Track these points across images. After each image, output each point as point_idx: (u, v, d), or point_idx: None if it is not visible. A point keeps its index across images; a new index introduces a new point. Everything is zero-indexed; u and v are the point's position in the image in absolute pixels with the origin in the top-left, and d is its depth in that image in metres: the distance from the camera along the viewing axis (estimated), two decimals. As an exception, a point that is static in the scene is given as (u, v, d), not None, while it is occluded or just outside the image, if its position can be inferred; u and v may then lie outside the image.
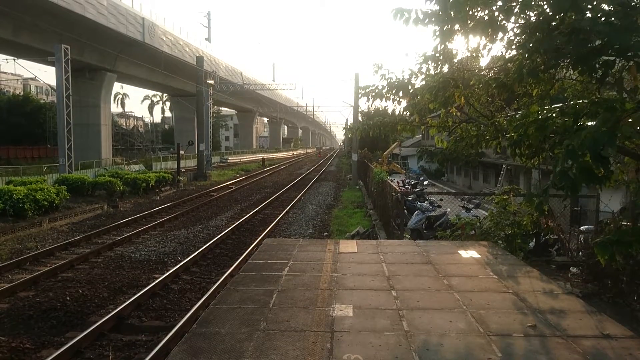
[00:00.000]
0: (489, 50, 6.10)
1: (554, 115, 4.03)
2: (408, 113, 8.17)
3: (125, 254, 12.41)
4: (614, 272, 6.58)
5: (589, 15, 4.14)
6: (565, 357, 3.66)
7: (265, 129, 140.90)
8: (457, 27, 5.17)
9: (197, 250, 12.36)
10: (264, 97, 75.80)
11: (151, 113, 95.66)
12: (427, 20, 4.91)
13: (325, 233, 15.47)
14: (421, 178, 33.86)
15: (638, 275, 6.33)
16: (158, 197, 24.73)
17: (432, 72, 7.07)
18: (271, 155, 79.97)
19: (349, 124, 26.28)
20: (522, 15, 4.85)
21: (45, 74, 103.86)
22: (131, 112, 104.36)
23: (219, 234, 14.43)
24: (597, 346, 3.86)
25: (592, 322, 4.38)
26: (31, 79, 64.95)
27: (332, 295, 5.10)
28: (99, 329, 7.18)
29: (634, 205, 6.90)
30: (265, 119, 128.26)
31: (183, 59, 44.25)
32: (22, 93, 65.81)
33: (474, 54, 6.82)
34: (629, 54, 4.03)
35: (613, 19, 3.84)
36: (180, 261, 11.31)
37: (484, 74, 7.33)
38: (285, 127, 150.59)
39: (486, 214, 10.24)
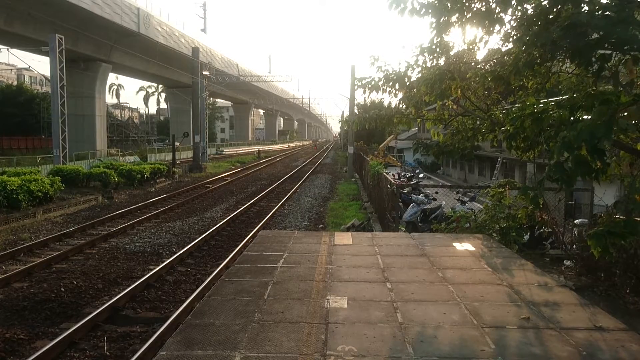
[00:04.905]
0: (485, 42, 6.09)
1: (550, 108, 4.03)
2: (404, 106, 8.16)
3: (120, 245, 12.38)
4: (607, 265, 6.63)
5: (586, 8, 4.13)
6: (559, 348, 3.68)
7: (261, 121, 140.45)
8: (453, 19, 5.15)
9: (192, 241, 12.34)
10: (260, 89, 75.51)
11: (146, 104, 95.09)
12: (423, 11, 4.89)
13: (321, 225, 15.48)
14: (417, 171, 33.94)
15: (631, 268, 6.37)
16: (153, 189, 24.65)
17: (428, 64, 7.05)
18: (267, 148, 79.85)
19: (345, 116, 26.24)
20: (519, 8, 4.84)
21: (39, 64, 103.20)
22: (126, 103, 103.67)
23: (214, 226, 14.41)
24: (590, 338, 3.88)
25: (585, 315, 4.40)
26: (25, 69, 64.31)
27: (327, 287, 5.11)
28: (93, 320, 7.17)
29: (627, 199, 6.93)
30: (261, 111, 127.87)
31: (179, 50, 43.95)
32: (15, 83, 65.27)
33: (471, 47, 6.80)
34: (626, 47, 4.03)
35: (610, 12, 3.83)
36: (175, 253, 11.29)
37: (481, 66, 7.32)
38: (281, 119, 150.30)
39: (481, 207, 10.28)
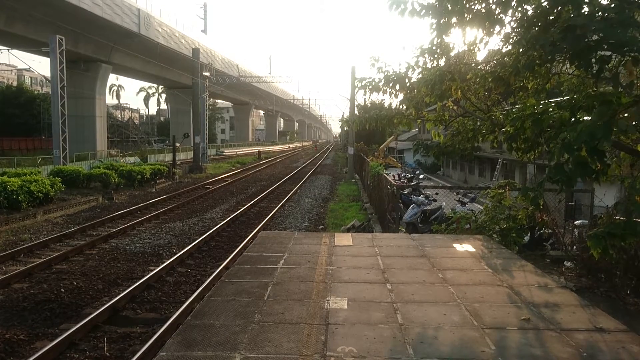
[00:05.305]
0: (485, 43, 6.09)
1: (551, 109, 4.03)
2: (405, 106, 8.17)
3: (120, 246, 12.38)
4: (608, 266, 6.62)
5: (586, 9, 4.13)
6: (559, 350, 3.67)
7: (262, 122, 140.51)
8: (454, 20, 5.15)
9: (193, 242, 12.34)
10: (260, 89, 75.56)
11: (147, 105, 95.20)
12: (423, 12, 4.88)
13: (321, 226, 15.48)
14: (417, 172, 33.86)
15: (631, 269, 6.36)
16: (153, 190, 24.66)
17: (428, 65, 7.05)
18: (267, 148, 79.85)
19: (345, 117, 26.25)
20: (519, 9, 4.83)
21: (39, 65, 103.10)
22: (126, 104, 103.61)
23: (214, 227, 14.41)
24: (591, 340, 3.87)
25: (585, 316, 4.40)
26: (25, 69, 64.36)
27: (327, 288, 5.10)
28: (93, 321, 7.17)
29: (628, 200, 6.92)
30: (262, 112, 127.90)
31: (179, 51, 43.98)
32: (16, 84, 65.32)
33: (471, 48, 6.81)
34: (625, 49, 4.02)
35: (609, 14, 3.83)
36: (176, 253, 11.29)
37: (481, 67, 7.32)
38: (282, 120, 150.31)
39: (481, 208, 10.27)
